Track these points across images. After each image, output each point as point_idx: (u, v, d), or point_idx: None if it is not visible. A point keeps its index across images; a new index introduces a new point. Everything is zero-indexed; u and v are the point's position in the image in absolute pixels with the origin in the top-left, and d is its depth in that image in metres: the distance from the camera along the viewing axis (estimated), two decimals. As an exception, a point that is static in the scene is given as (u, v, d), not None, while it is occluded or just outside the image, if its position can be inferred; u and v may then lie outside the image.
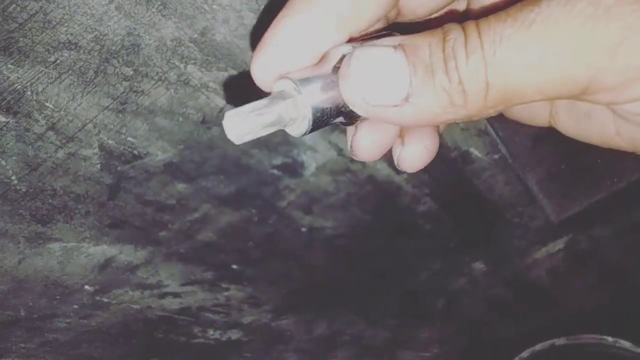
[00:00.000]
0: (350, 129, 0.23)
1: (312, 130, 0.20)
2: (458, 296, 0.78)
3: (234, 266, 0.54)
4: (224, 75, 0.34)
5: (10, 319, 0.46)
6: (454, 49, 0.18)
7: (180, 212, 0.44)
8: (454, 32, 0.18)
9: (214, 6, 0.30)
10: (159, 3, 0.29)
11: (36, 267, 0.44)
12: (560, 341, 0.90)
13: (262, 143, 0.41)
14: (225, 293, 0.57)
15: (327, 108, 0.20)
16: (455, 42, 0.18)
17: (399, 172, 0.49)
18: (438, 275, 0.71)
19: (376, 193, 0.51)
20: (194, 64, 0.33)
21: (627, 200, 0.64)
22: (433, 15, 0.24)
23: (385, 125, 0.23)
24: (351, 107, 0.20)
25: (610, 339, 0.84)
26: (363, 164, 0.47)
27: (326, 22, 0.19)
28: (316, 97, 0.19)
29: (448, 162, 0.51)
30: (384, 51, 0.19)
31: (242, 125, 0.18)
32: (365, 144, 0.23)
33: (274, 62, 0.20)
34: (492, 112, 0.19)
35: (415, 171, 0.24)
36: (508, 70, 0.18)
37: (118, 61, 0.31)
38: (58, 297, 0.49)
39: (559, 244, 0.73)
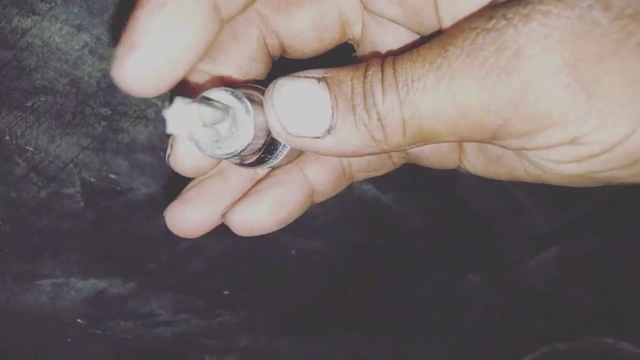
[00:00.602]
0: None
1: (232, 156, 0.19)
2: (455, 308, 0.78)
3: (226, 292, 0.54)
4: (202, 109, 0.35)
5: (2, 357, 0.46)
6: (372, 86, 0.18)
7: (167, 244, 0.44)
8: (373, 68, 0.18)
9: (188, 45, 0.31)
10: (132, 45, 0.30)
11: (26, 303, 0.44)
12: (561, 345, 0.90)
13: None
14: (219, 319, 0.57)
15: (260, 137, 0.19)
16: (373, 79, 0.18)
17: (385, 192, 0.50)
18: (434, 289, 0.71)
19: (365, 214, 0.51)
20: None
21: (616, 208, 0.64)
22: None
23: (212, 196, 0.22)
24: (274, 136, 0.19)
25: (610, 340, 0.84)
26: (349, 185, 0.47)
27: (197, 7, 0.17)
28: (257, 121, 0.19)
29: (434, 180, 0.51)
30: (307, 83, 0.18)
31: (185, 124, 0.16)
32: (181, 218, 0.22)
33: (144, 65, 0.17)
34: (414, 146, 0.19)
35: (250, 235, 0.23)
36: (420, 111, 0.18)
37: (95, 102, 0.32)
38: (50, 332, 0.49)
39: (553, 252, 0.73)
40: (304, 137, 0.19)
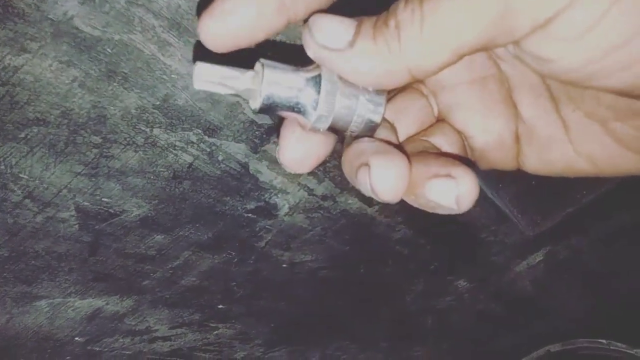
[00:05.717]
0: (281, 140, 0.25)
1: (266, 110, 0.23)
2: (447, 314, 0.79)
3: (220, 306, 0.55)
4: (189, 134, 0.36)
5: (2, 378, 0.47)
6: (396, 5, 0.20)
7: (161, 261, 0.46)
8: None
9: (173, 75, 0.32)
10: (120, 77, 0.31)
11: (25, 324, 0.46)
12: (555, 347, 0.92)
13: (233, 190, 0.43)
14: (215, 332, 0.58)
15: (282, 96, 0.22)
16: (398, 3, 0.20)
17: (370, 204, 0.51)
18: (423, 296, 0.73)
19: (351, 225, 0.53)
20: (160, 127, 0.35)
21: (599, 211, 0.66)
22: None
23: (313, 136, 0.24)
24: (305, 47, 0.22)
25: (604, 341, 0.85)
26: (334, 200, 0.49)
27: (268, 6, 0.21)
28: (276, 82, 0.22)
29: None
30: (342, 18, 0.21)
31: (208, 73, 0.22)
32: (292, 156, 0.24)
33: (226, 30, 0.21)
34: (432, 64, 0.20)
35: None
36: (441, 5, 0.19)
37: (86, 132, 0.33)
38: (49, 351, 0.50)
39: (539, 256, 0.75)
40: (327, 48, 0.21)
